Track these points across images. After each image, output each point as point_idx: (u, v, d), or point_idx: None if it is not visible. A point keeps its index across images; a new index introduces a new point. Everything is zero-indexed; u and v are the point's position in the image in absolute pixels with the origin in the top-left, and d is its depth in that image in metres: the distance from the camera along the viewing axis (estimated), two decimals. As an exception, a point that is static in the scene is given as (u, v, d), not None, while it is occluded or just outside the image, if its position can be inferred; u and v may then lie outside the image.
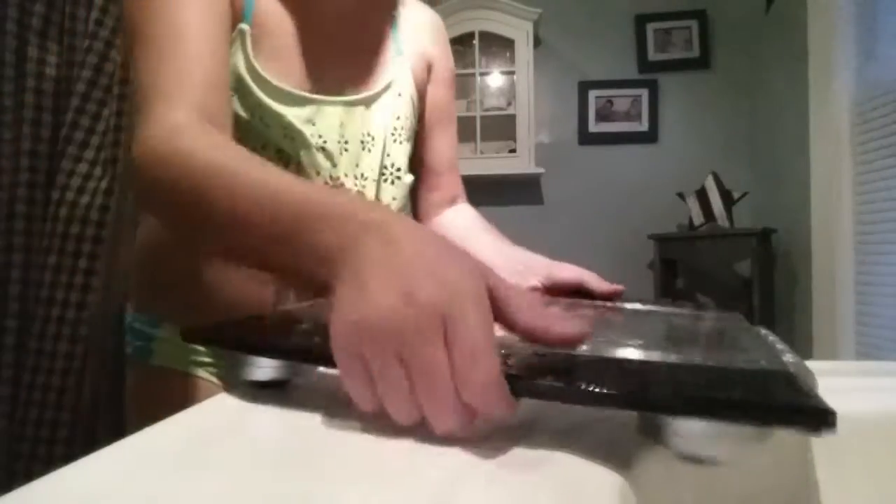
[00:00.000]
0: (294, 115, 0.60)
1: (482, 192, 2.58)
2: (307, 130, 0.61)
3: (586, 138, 2.55)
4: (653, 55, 2.51)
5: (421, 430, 0.24)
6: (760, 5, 2.31)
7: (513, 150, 2.45)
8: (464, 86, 2.57)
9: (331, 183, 0.63)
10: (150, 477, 0.21)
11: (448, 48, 0.78)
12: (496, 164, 2.46)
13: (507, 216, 2.56)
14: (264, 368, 0.31)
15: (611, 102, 2.54)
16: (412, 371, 0.24)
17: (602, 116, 2.54)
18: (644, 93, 2.51)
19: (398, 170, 0.69)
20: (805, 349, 1.95)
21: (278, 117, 0.59)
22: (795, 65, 2.00)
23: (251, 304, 0.62)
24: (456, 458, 0.22)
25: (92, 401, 1.14)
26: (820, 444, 0.28)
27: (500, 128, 2.47)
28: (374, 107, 0.67)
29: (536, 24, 2.42)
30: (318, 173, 0.62)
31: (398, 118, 0.69)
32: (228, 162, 0.42)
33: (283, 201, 0.36)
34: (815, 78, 1.89)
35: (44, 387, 1.09)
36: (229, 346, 0.33)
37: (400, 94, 0.69)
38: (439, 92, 0.76)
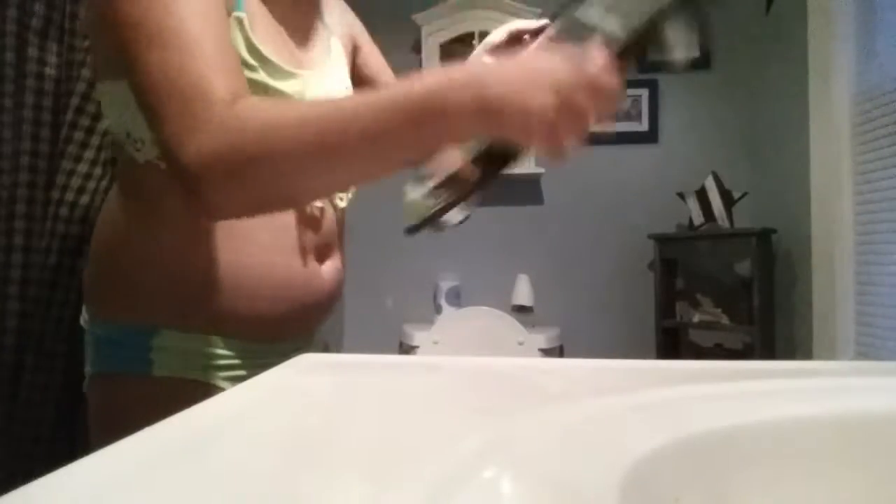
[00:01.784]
0: (291, 90, 0.63)
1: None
2: (300, 94, 0.65)
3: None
4: (653, 55, 2.51)
5: (421, 431, 0.24)
6: (760, 5, 2.31)
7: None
8: (464, 86, 2.57)
9: None
10: (150, 476, 0.21)
11: (353, 13, 0.87)
12: (496, 164, 2.46)
13: (507, 216, 2.56)
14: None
15: (611, 102, 2.54)
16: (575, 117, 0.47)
17: (602, 116, 2.54)
18: (644, 93, 2.51)
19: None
20: (805, 349, 1.96)
21: (280, 94, 0.61)
22: (795, 65, 2.00)
23: (259, 290, 0.63)
24: (456, 458, 0.22)
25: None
26: (820, 444, 0.28)
27: (500, 128, 2.47)
28: (328, 79, 0.71)
29: (536, 24, 2.42)
30: None
31: (346, 88, 0.75)
32: (322, 104, 0.50)
33: (403, 101, 0.45)
34: (815, 78, 1.89)
35: (43, 387, 1.09)
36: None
37: (341, 65, 0.76)
38: (369, 47, 0.87)
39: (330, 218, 0.71)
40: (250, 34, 0.60)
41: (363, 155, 0.47)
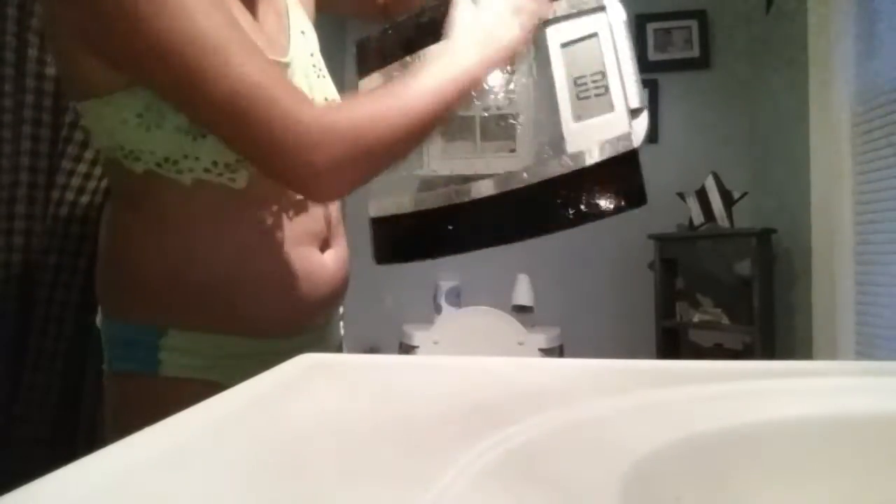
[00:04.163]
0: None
1: (482, 192, 2.58)
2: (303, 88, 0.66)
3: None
4: (653, 55, 2.51)
5: (421, 431, 0.24)
6: (760, 5, 2.31)
7: (513, 150, 2.45)
8: (464, 86, 2.57)
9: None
10: (150, 477, 0.21)
11: None
12: (496, 164, 2.46)
13: (507, 216, 2.56)
14: None
15: (611, 102, 2.54)
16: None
17: (602, 116, 2.54)
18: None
19: (333, 101, 0.73)
20: (805, 349, 1.96)
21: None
22: (795, 65, 2.00)
23: (262, 285, 0.63)
24: (456, 458, 0.22)
25: (93, 400, 1.14)
26: (820, 444, 0.28)
27: (500, 128, 2.47)
28: (295, 62, 0.68)
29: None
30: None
31: (312, 55, 0.73)
32: (396, 92, 0.61)
33: (451, 83, 0.66)
34: (815, 78, 1.89)
35: (44, 387, 1.09)
36: None
37: (303, 32, 0.73)
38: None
39: (326, 206, 0.70)
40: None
41: (436, 122, 0.66)
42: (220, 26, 0.51)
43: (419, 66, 0.66)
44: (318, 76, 0.73)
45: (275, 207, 0.63)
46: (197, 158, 0.57)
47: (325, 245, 0.70)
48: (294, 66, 0.67)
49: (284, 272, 0.63)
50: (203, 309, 0.61)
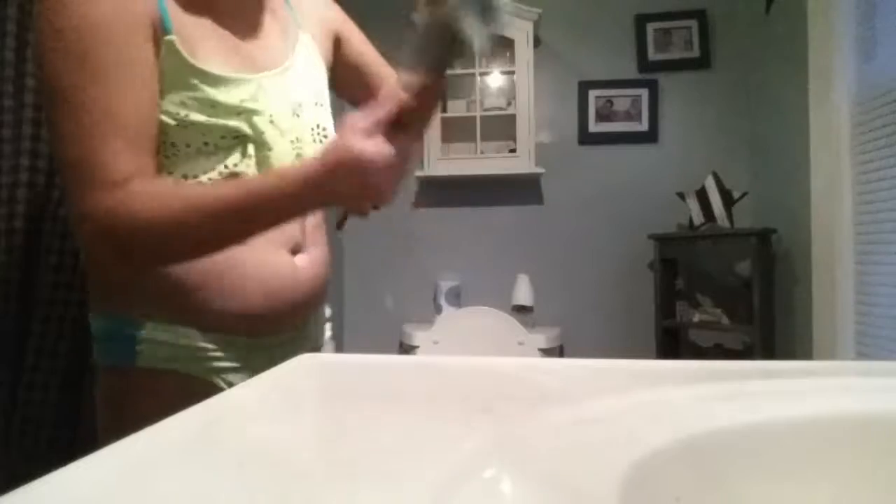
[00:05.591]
0: (242, 96, 0.65)
1: (482, 191, 2.58)
2: (258, 107, 0.66)
3: (586, 138, 2.55)
4: (653, 55, 2.51)
5: (421, 431, 0.24)
6: (760, 5, 2.31)
7: (513, 150, 2.45)
8: (464, 86, 2.57)
9: (279, 154, 0.69)
10: (150, 476, 0.21)
11: (338, 6, 0.88)
12: (496, 164, 2.46)
13: (507, 216, 2.56)
14: None
15: (611, 102, 2.54)
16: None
17: (602, 116, 2.54)
18: (644, 93, 2.51)
19: (324, 129, 0.75)
20: (805, 349, 1.96)
21: (233, 106, 0.64)
22: (795, 65, 2.00)
23: (230, 286, 0.66)
24: (456, 459, 0.22)
25: (93, 400, 1.14)
26: (820, 444, 0.28)
27: (500, 128, 2.47)
28: (291, 76, 0.72)
29: (536, 24, 2.42)
30: (274, 143, 0.68)
31: (314, 82, 0.76)
32: (202, 200, 0.58)
33: (265, 206, 0.59)
34: (815, 78, 1.89)
35: (44, 387, 1.09)
36: None
37: (309, 62, 0.76)
38: (350, 36, 0.86)
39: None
40: (184, 54, 0.62)
41: (231, 240, 0.61)
42: (78, 88, 0.56)
43: (258, 179, 0.63)
44: (317, 103, 0.75)
45: None
46: (170, 172, 0.63)
47: (297, 249, 0.72)
48: (268, 87, 0.69)
49: (251, 274, 0.67)
50: (178, 304, 0.65)
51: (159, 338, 0.65)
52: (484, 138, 2.46)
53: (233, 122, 0.64)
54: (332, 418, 0.26)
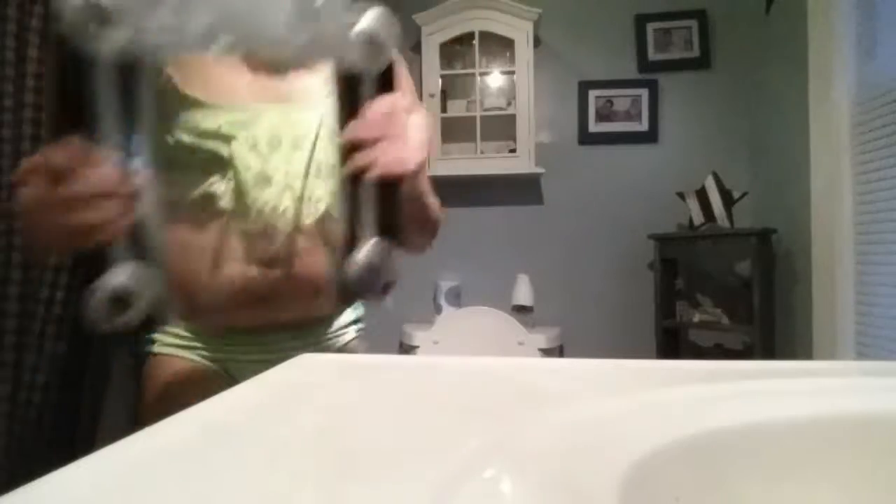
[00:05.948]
0: (227, 121, 0.71)
1: (482, 192, 2.58)
2: (239, 134, 0.71)
3: (586, 138, 2.55)
4: (653, 55, 2.51)
5: (421, 431, 0.24)
6: (760, 5, 2.31)
7: (513, 150, 2.45)
8: (464, 86, 2.57)
9: (256, 179, 0.73)
10: (151, 476, 0.21)
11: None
12: (496, 164, 2.46)
13: (507, 216, 2.56)
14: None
15: (611, 102, 2.54)
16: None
17: (602, 116, 2.54)
18: (644, 93, 2.51)
19: (331, 165, 0.77)
20: (805, 349, 1.96)
21: (211, 131, 0.70)
22: (795, 65, 2.00)
23: (198, 292, 0.74)
24: (456, 458, 0.22)
25: (93, 400, 1.14)
26: (820, 444, 0.28)
27: (500, 128, 2.47)
28: (305, 108, 0.75)
29: (536, 24, 2.42)
30: (248, 169, 0.72)
31: (329, 117, 0.74)
32: None
33: None
34: (815, 78, 1.89)
35: (44, 387, 1.09)
36: None
37: (329, 95, 0.74)
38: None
39: (283, 230, 0.75)
40: (174, 80, 0.69)
41: None
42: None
43: None
44: (327, 137, 0.76)
45: (214, 234, 0.73)
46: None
47: (271, 263, 0.75)
48: (263, 119, 0.72)
49: (215, 282, 0.74)
50: (176, 303, 0.73)
51: (167, 330, 0.79)
52: (484, 138, 2.46)
53: (210, 144, 0.71)
54: (332, 418, 0.26)
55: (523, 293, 2.41)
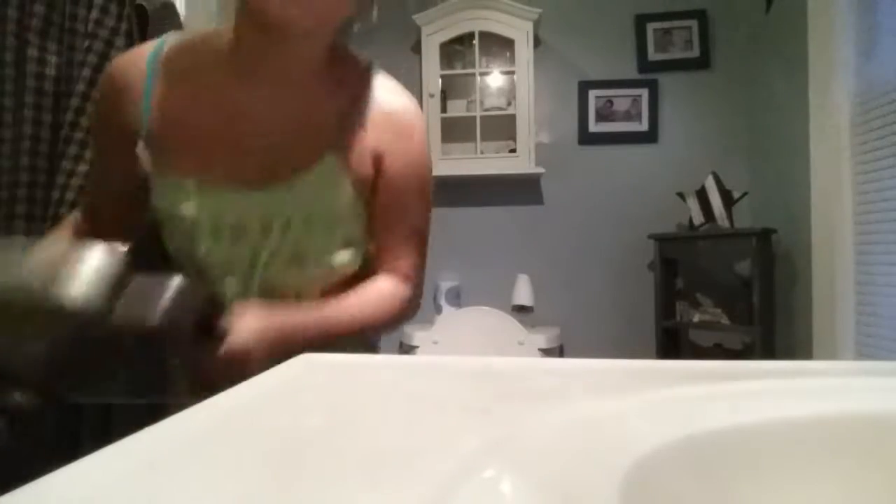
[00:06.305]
0: (202, 204, 0.67)
1: (482, 192, 2.58)
2: (208, 216, 0.68)
3: (586, 138, 2.55)
4: (653, 55, 2.51)
5: (421, 431, 0.24)
6: (760, 5, 2.31)
7: (513, 150, 2.45)
8: (464, 86, 2.57)
9: (222, 264, 0.70)
10: (150, 477, 0.21)
11: (409, 144, 0.74)
12: (496, 164, 2.46)
13: (507, 216, 2.56)
14: None
15: (611, 102, 2.54)
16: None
17: (602, 116, 2.54)
18: (644, 93, 2.51)
19: (318, 251, 0.72)
20: (805, 349, 1.96)
21: (186, 213, 0.68)
22: (795, 65, 2.00)
23: None
24: (456, 458, 0.22)
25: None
26: (820, 444, 0.28)
27: (500, 128, 2.47)
28: (297, 192, 0.68)
29: (536, 24, 2.42)
30: (215, 252, 0.70)
31: (321, 203, 0.70)
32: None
33: None
34: (815, 78, 1.89)
35: (44, 387, 1.09)
36: None
37: (328, 184, 0.70)
38: (388, 189, 0.74)
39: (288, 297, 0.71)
40: (147, 154, 0.68)
41: None
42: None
43: None
44: (316, 223, 0.70)
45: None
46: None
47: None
48: (253, 205, 0.68)
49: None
50: None
51: None
52: (484, 138, 2.46)
53: (182, 224, 0.69)
54: (332, 418, 0.26)
55: (523, 293, 2.41)
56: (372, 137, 0.71)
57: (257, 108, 0.68)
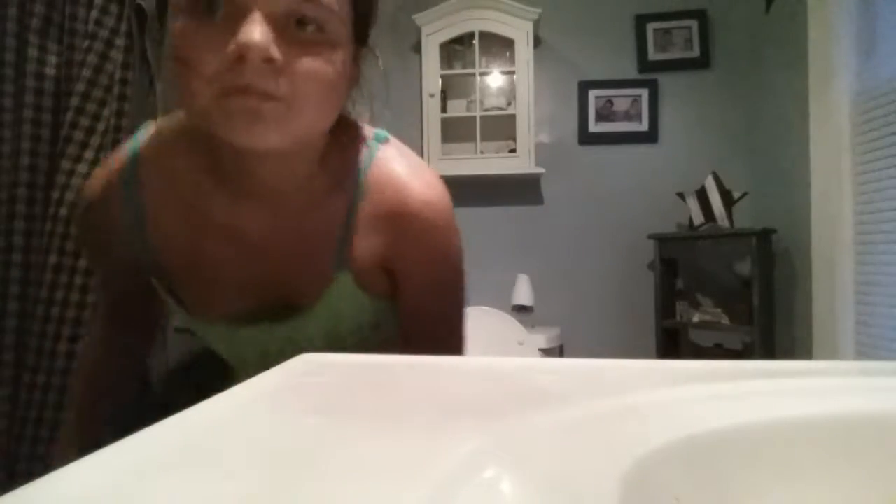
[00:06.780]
0: (221, 337, 0.69)
1: (482, 192, 2.58)
2: (231, 350, 0.71)
3: (586, 138, 2.55)
4: (653, 55, 2.51)
5: (421, 431, 0.24)
6: (760, 5, 2.31)
7: (513, 150, 2.45)
8: (464, 86, 2.57)
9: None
10: (149, 477, 0.21)
11: (426, 249, 0.63)
12: (496, 163, 2.46)
13: (507, 216, 2.56)
14: None
15: (611, 102, 2.54)
16: None
17: (602, 116, 2.54)
18: (644, 93, 2.51)
19: (349, 333, 0.68)
20: (805, 349, 1.95)
21: (209, 343, 0.73)
22: (795, 65, 2.00)
23: None
24: (456, 459, 0.22)
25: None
26: (820, 444, 0.28)
27: (500, 128, 2.47)
28: (318, 315, 0.64)
29: (536, 24, 2.42)
30: (240, 360, 0.72)
31: (345, 318, 0.65)
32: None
33: None
34: (815, 78, 1.89)
35: (44, 387, 1.09)
36: None
37: (348, 302, 0.64)
38: (411, 299, 0.66)
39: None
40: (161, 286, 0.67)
41: None
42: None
43: None
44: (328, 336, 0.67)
45: None
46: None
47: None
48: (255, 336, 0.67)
49: None
50: None
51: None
52: (484, 138, 2.46)
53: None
54: (332, 418, 0.26)
55: (523, 293, 2.41)
56: (381, 244, 0.62)
57: (254, 228, 0.60)
